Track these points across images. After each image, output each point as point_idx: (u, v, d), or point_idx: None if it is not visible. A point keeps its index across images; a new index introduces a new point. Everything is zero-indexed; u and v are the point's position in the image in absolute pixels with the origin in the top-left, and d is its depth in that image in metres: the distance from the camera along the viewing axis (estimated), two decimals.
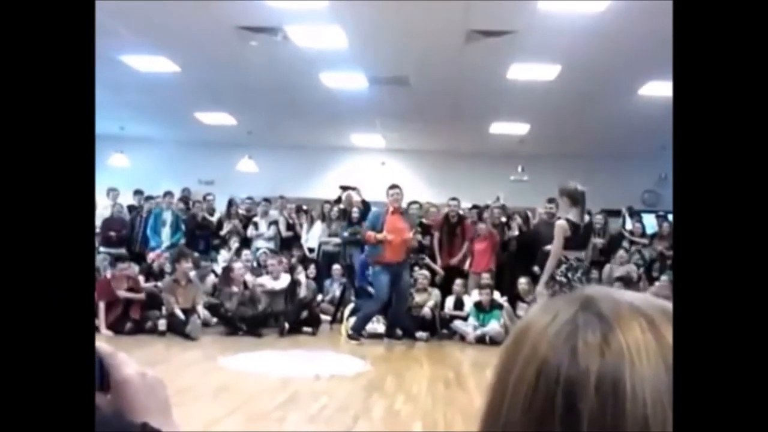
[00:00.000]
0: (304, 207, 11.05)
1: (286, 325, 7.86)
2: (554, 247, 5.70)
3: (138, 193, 11.20)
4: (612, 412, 0.47)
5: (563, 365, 0.49)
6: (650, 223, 10.52)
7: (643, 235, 10.02)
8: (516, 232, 9.40)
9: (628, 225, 10.62)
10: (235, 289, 8.02)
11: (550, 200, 8.34)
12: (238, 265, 8.39)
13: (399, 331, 7.91)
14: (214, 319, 8.03)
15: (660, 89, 8.27)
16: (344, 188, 8.99)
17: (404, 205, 9.83)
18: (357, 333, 7.53)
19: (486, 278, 8.63)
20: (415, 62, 8.10)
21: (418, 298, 8.39)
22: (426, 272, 8.71)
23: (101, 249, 9.69)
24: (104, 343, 0.70)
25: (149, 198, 10.37)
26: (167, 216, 9.83)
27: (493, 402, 0.53)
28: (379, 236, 7.38)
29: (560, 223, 5.77)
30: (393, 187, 7.70)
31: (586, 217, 5.89)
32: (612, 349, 0.49)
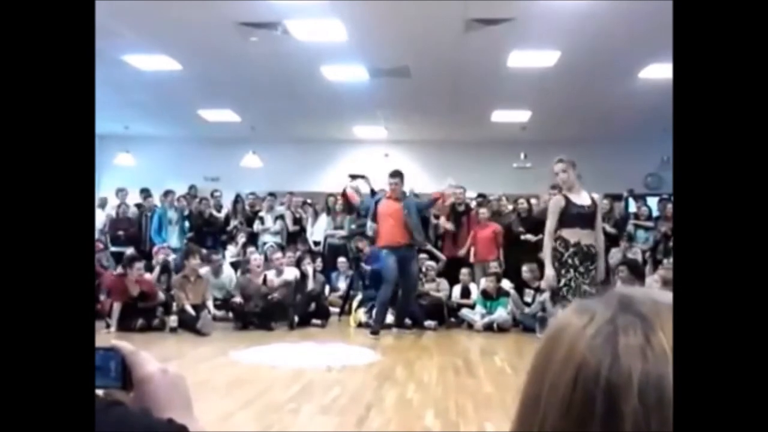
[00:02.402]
0: (309, 201, 11.09)
1: (296, 318, 7.92)
2: (547, 225, 5.25)
3: (143, 191, 11.26)
4: (657, 416, 0.45)
5: (604, 367, 0.47)
6: (653, 206, 10.52)
7: (649, 218, 10.02)
8: (520, 220, 9.42)
9: (632, 208, 10.63)
10: (256, 280, 8.11)
11: (554, 186, 8.31)
12: (254, 257, 8.49)
13: (408, 321, 7.95)
14: (220, 312, 8.12)
15: (660, 72, 8.25)
16: (353, 177, 8.98)
17: (408, 193, 9.93)
18: (379, 324, 7.45)
19: (492, 266, 8.67)
20: (415, 53, 8.10)
21: (427, 287, 8.45)
22: (434, 263, 8.76)
23: (111, 248, 9.78)
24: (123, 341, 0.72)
25: (167, 193, 10.42)
26: (171, 214, 9.88)
27: (527, 405, 0.52)
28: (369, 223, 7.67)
29: (555, 199, 5.34)
30: (393, 175, 7.72)
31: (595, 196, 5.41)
32: (655, 351, 0.47)
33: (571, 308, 0.55)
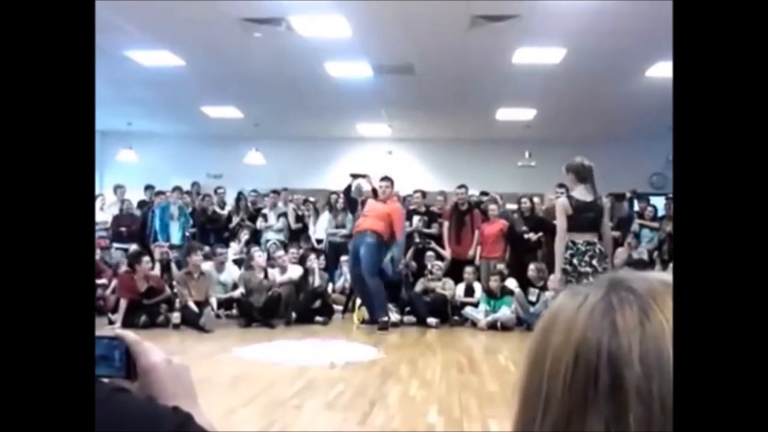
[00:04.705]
0: (312, 198, 11.10)
1: (294, 315, 7.95)
2: (558, 229, 5.22)
3: (148, 188, 11.27)
4: (658, 383, 0.46)
5: (604, 340, 0.48)
6: (659, 206, 10.49)
7: (654, 218, 10.00)
8: (523, 219, 9.41)
9: (636, 208, 10.60)
10: (259, 275, 8.16)
11: (560, 185, 8.27)
12: (258, 252, 8.53)
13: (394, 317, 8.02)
14: (221, 310, 8.15)
15: (667, 70, 8.22)
16: (355, 176, 9.04)
17: (410, 192, 10.02)
18: (378, 318, 7.60)
19: (497, 265, 8.68)
20: (420, 49, 8.09)
21: (432, 285, 8.46)
22: (440, 263, 8.77)
23: (114, 245, 9.81)
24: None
25: (159, 193, 10.45)
26: (174, 210, 9.90)
27: (528, 395, 0.52)
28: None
29: (560, 201, 5.35)
30: (383, 179, 8.02)
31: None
32: (652, 322, 0.48)
33: (562, 295, 0.56)
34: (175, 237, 9.73)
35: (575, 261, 5.08)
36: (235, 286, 8.32)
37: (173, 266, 8.67)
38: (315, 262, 8.68)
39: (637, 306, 0.50)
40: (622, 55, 7.97)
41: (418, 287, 8.51)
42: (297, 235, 10.28)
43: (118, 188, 10.88)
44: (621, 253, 9.25)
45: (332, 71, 9.03)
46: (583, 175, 5.23)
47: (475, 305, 8.31)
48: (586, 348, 0.49)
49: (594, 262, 5.06)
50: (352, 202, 9.37)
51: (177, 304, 7.67)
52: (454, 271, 8.83)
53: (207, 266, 8.28)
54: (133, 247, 9.43)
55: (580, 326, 0.50)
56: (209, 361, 5.66)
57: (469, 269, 8.71)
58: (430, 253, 8.95)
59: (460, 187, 9.48)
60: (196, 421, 0.66)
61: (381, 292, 7.75)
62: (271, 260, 8.75)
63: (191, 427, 0.65)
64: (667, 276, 0.53)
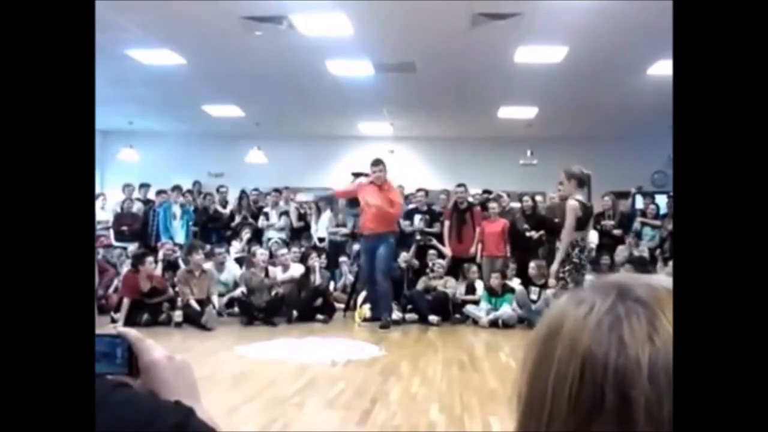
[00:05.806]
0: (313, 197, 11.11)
1: (295, 313, 7.96)
2: (567, 227, 5.79)
3: (144, 186, 11.27)
4: (668, 401, 0.45)
5: (611, 356, 0.47)
6: (661, 203, 10.49)
7: (657, 216, 9.99)
8: (525, 217, 9.41)
9: (639, 205, 10.59)
10: (260, 274, 8.17)
11: (562, 183, 8.25)
12: (260, 251, 8.53)
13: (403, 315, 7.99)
14: (228, 309, 8.15)
15: (668, 68, 8.20)
16: (356, 175, 9.04)
17: (412, 190, 10.01)
18: (382, 317, 7.58)
19: (498, 263, 8.68)
20: (421, 48, 8.08)
21: (434, 283, 8.47)
22: (441, 261, 8.77)
23: (115, 243, 9.83)
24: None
25: (161, 192, 10.46)
26: (176, 209, 9.91)
27: (531, 403, 0.51)
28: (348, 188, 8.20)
29: (571, 203, 5.83)
30: (375, 164, 7.90)
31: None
32: (661, 336, 0.47)
33: (566, 299, 0.54)
34: (179, 235, 9.74)
35: (582, 256, 5.82)
36: (236, 285, 8.33)
37: (181, 264, 8.65)
38: (316, 261, 8.69)
39: (645, 320, 0.48)
40: (623, 54, 7.97)
41: (420, 285, 8.52)
42: (299, 233, 10.29)
43: (126, 187, 10.90)
44: (622, 251, 9.25)
45: (333, 69, 9.03)
46: (583, 181, 5.86)
47: (477, 303, 8.31)
48: (593, 362, 0.47)
49: (587, 257, 6.00)
50: (353, 200, 9.35)
51: (179, 303, 7.68)
52: (456, 270, 8.84)
53: (209, 265, 8.29)
54: (135, 246, 9.43)
55: (587, 339, 0.48)
56: (211, 359, 5.67)
57: (473, 269, 8.72)
58: (431, 252, 8.97)
59: (459, 185, 9.48)
60: (198, 416, 0.66)
61: (389, 294, 7.78)
62: (272, 258, 8.75)
63: (193, 421, 0.65)
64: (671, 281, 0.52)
